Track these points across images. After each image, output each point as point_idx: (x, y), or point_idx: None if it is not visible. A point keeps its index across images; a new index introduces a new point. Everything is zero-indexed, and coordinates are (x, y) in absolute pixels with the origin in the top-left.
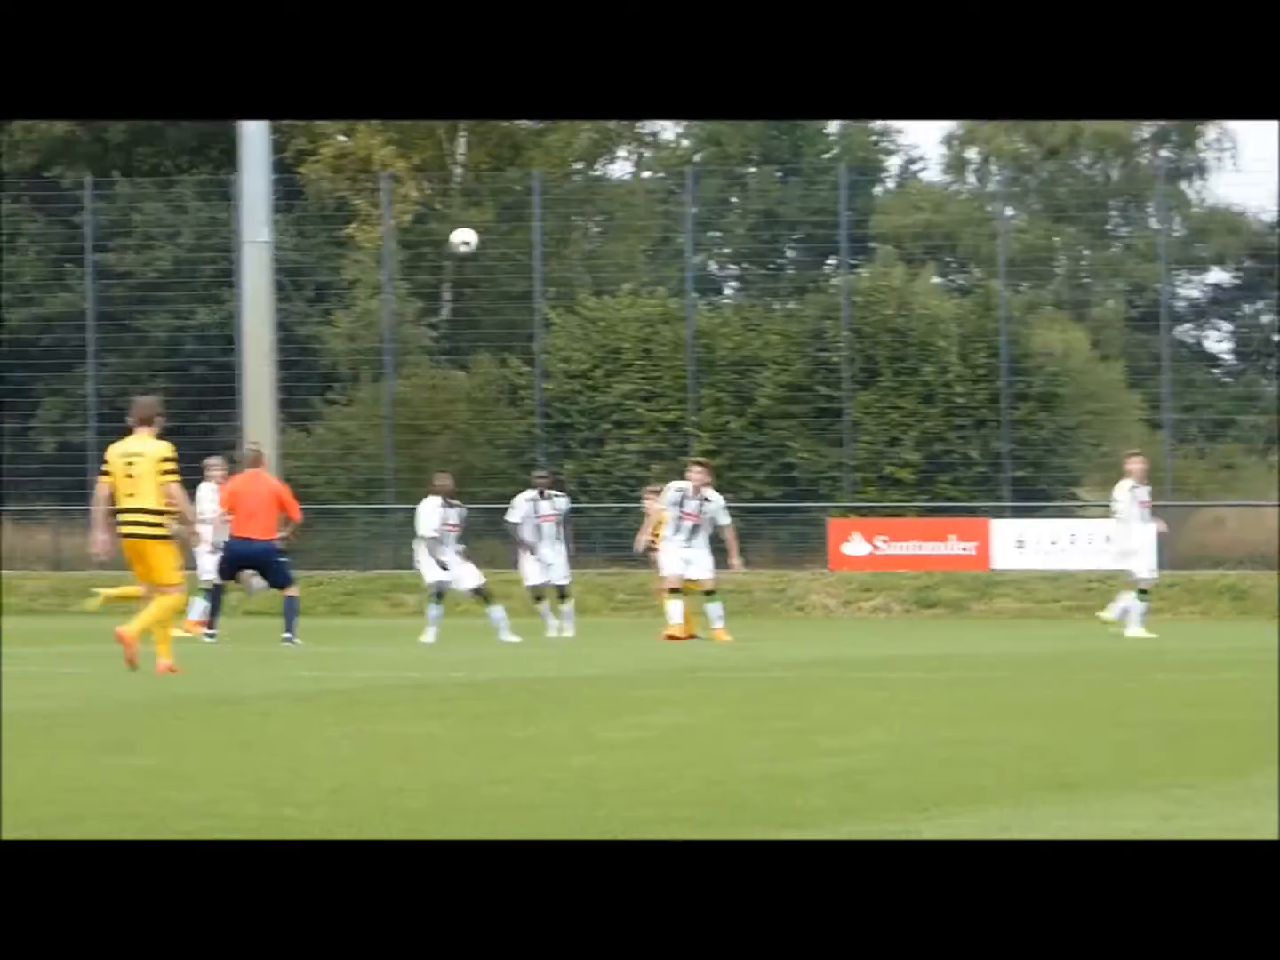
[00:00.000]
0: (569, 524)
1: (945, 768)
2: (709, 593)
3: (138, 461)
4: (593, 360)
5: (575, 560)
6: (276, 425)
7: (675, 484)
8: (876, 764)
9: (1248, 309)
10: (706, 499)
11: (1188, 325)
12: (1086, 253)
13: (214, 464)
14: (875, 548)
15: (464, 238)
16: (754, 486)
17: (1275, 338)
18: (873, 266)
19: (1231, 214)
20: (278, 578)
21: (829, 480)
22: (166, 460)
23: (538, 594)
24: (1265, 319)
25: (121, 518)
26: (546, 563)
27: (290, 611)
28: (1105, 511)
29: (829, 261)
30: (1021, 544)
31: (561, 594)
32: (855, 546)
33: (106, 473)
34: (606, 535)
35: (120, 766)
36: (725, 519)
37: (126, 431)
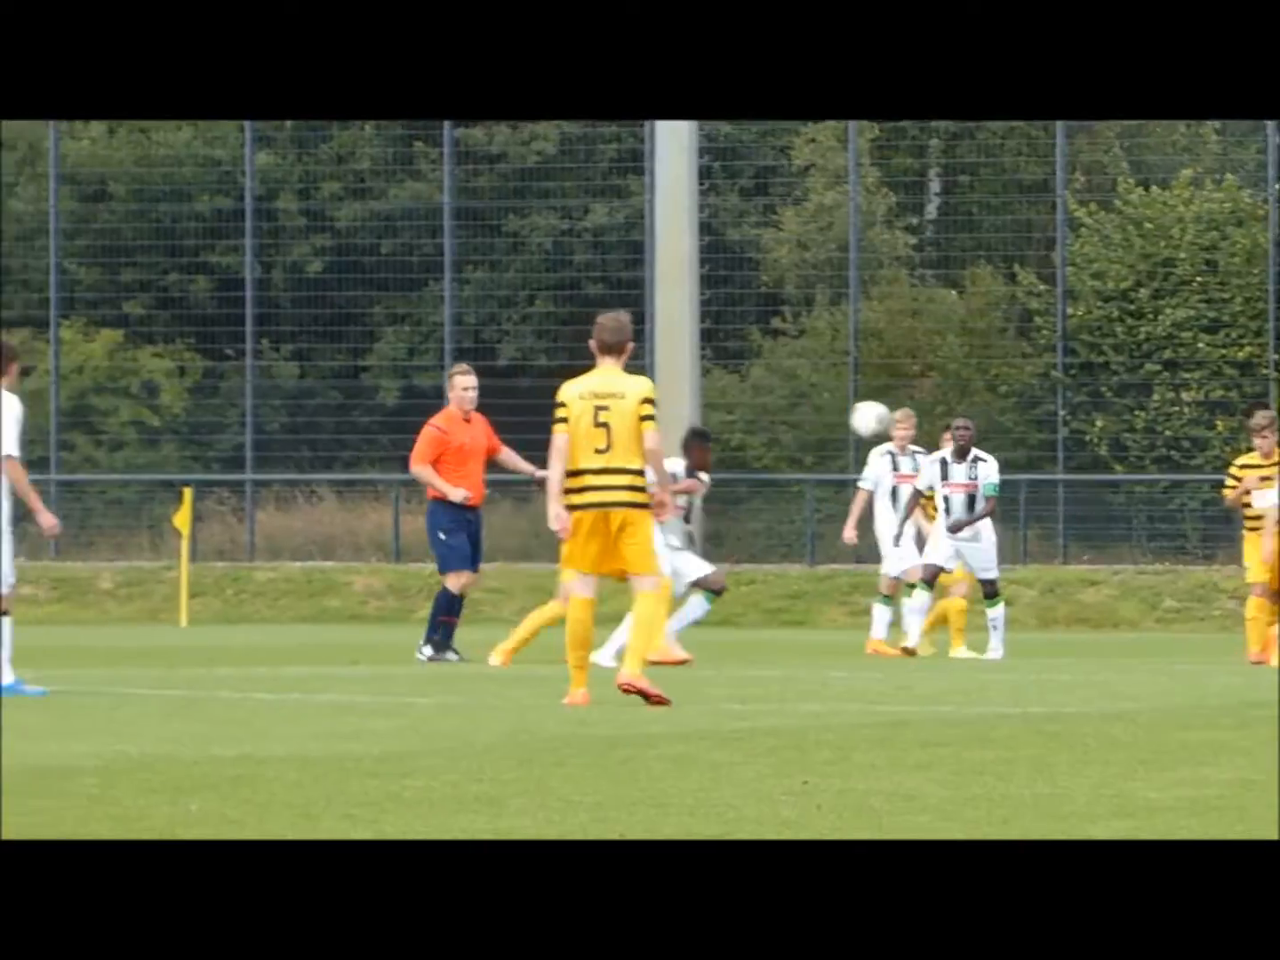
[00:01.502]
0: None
1: None
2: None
3: (614, 404)
4: (1135, 276)
5: (1108, 552)
6: (697, 364)
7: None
8: None
9: None
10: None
11: None
12: None
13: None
14: None
15: (873, 418)
16: None
17: None
18: None
19: None
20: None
21: None
22: (648, 403)
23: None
24: None
25: (582, 482)
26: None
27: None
28: None
29: None
30: None
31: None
32: None
33: (564, 419)
34: (1152, 519)
35: (480, 828)
36: None
37: (580, 368)
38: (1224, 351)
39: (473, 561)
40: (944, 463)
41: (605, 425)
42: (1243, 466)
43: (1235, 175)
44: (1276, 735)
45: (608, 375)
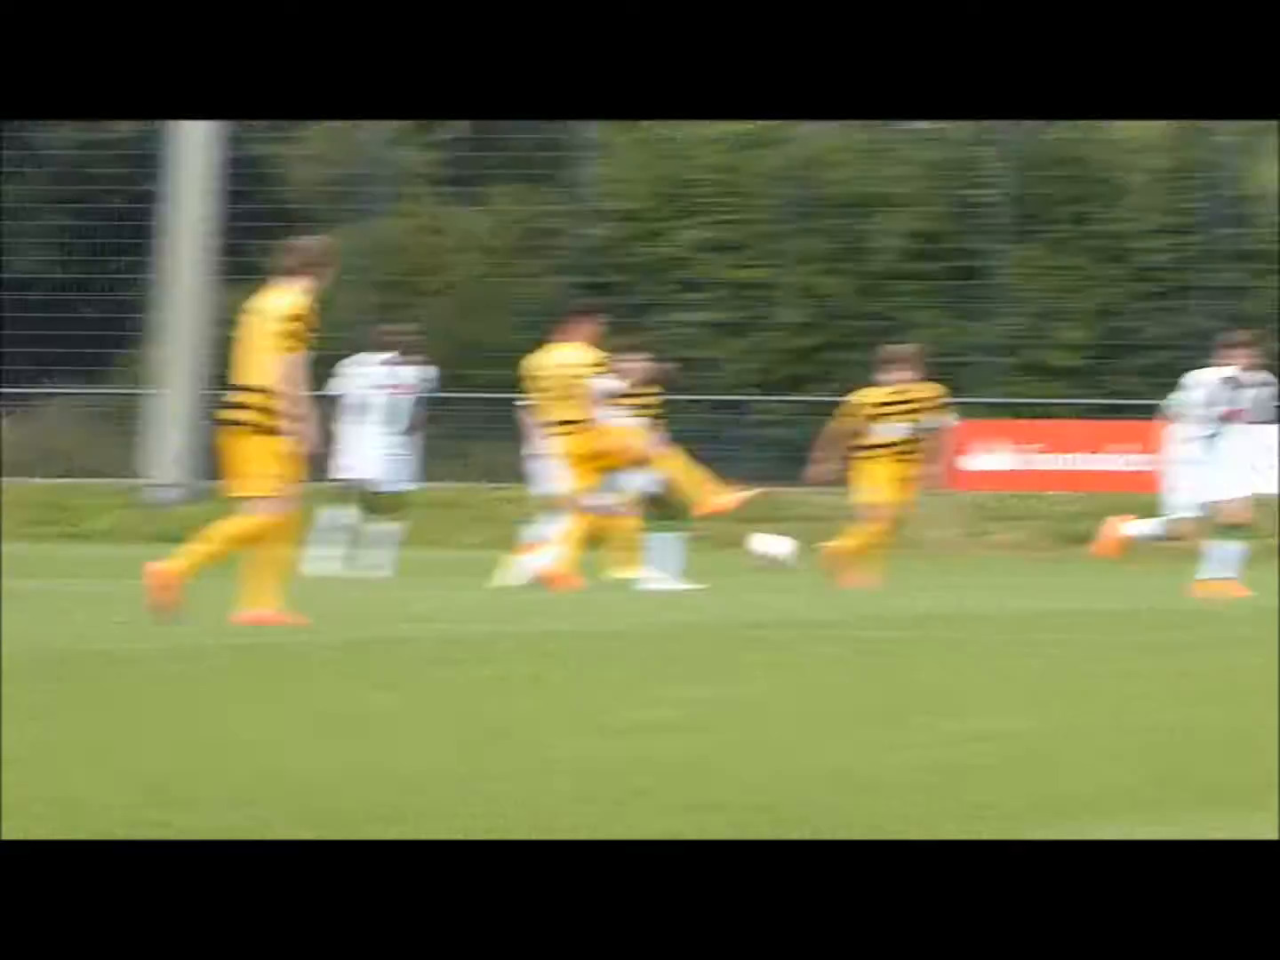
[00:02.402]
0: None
1: (1100, 765)
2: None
3: (255, 320)
4: (653, 197)
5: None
6: (212, 277)
7: (1206, 374)
8: (1001, 759)
9: None
10: (1262, 383)
11: None
12: None
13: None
14: (1023, 460)
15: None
16: (864, 373)
17: None
18: None
19: None
20: None
21: (964, 367)
22: (290, 320)
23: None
24: None
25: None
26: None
27: None
28: None
29: None
30: None
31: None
32: (994, 458)
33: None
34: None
35: None
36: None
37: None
38: (737, 272)
39: None
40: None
41: (244, 340)
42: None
43: None
44: (773, 658)
45: (269, 293)
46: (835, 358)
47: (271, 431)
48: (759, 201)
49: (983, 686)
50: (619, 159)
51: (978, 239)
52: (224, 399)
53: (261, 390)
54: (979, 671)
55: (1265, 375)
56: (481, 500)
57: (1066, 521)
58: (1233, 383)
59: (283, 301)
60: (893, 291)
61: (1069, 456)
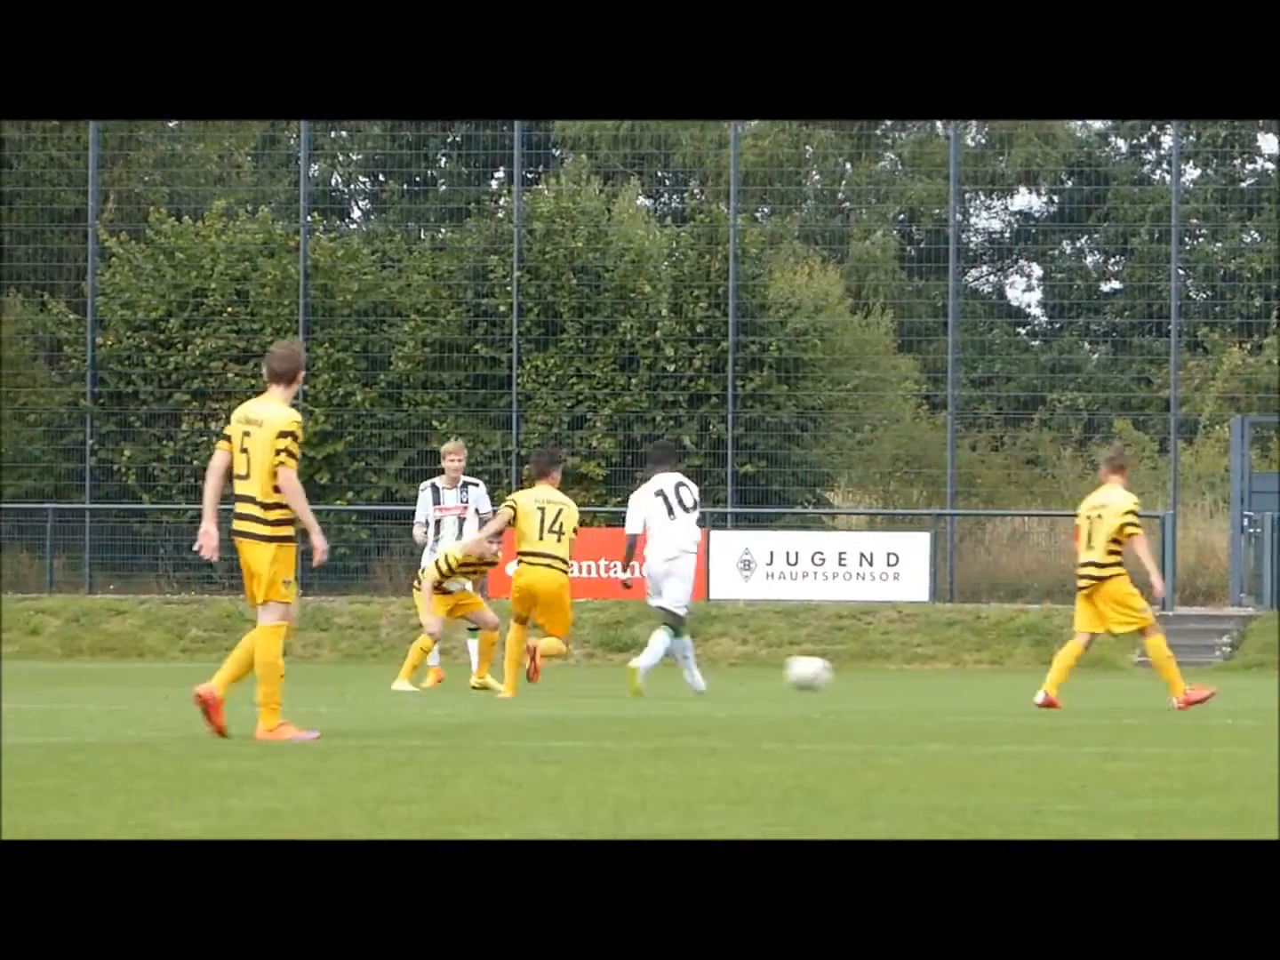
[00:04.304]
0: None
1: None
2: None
3: (255, 432)
4: (166, 306)
5: (134, 582)
6: None
7: None
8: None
9: (1066, 248)
10: None
11: (984, 268)
12: (848, 166)
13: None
14: None
15: (809, 675)
16: (384, 483)
17: (1104, 286)
18: (557, 182)
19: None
20: None
21: (488, 475)
22: (284, 435)
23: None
24: (1089, 260)
25: (235, 508)
26: None
27: None
28: (863, 522)
29: (497, 175)
30: (748, 564)
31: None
32: None
33: (227, 437)
34: (179, 549)
35: None
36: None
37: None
38: (255, 382)
39: None
40: (435, 489)
41: (246, 452)
42: None
43: (268, 207)
44: (310, 767)
45: (261, 402)
46: (356, 466)
47: (283, 541)
48: (274, 310)
49: (519, 792)
50: (131, 266)
51: (495, 348)
52: (236, 509)
53: (266, 502)
54: (508, 779)
55: (468, 479)
56: (8, 611)
57: (595, 629)
58: (439, 488)
59: (279, 412)
60: (412, 400)
61: (593, 563)
